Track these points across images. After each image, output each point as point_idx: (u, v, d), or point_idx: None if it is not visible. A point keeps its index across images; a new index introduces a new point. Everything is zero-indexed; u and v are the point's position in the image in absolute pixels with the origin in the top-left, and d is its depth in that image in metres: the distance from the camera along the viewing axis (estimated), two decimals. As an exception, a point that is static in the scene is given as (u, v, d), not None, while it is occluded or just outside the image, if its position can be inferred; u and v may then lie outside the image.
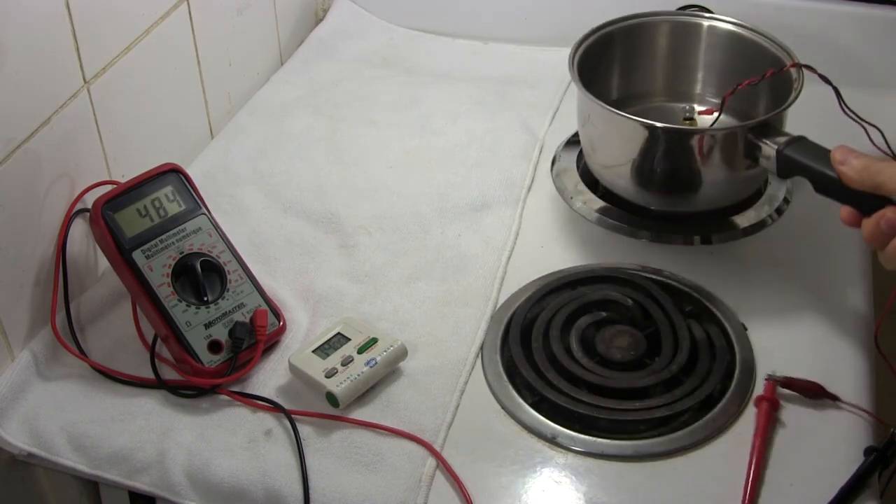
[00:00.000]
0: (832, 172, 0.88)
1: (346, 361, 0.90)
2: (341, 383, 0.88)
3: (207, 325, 0.93)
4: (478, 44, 1.43)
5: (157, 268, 0.93)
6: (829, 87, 1.00)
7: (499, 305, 0.99)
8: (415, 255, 1.06)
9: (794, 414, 0.88)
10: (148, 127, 1.11)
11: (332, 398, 0.88)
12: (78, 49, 0.97)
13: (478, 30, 1.44)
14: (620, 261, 1.04)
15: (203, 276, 0.94)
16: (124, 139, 1.06)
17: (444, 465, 0.84)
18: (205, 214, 0.97)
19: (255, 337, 0.94)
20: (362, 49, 1.43)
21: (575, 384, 0.90)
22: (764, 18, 1.12)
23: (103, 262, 1.01)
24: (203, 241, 0.96)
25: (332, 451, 0.85)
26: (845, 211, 0.86)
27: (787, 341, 0.94)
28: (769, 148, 0.96)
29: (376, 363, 0.90)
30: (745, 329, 0.95)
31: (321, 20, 1.49)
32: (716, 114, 1.05)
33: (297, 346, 0.95)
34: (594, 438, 0.86)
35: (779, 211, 1.09)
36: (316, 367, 0.90)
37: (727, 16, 1.13)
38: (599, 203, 1.10)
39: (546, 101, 1.30)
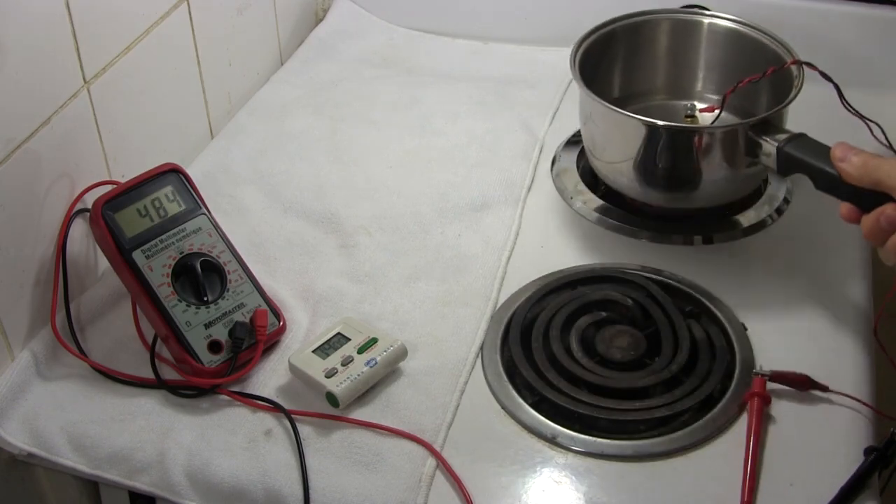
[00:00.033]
0: (832, 169, 0.88)
1: (346, 361, 0.90)
2: (341, 383, 0.88)
3: (207, 325, 0.93)
4: (478, 44, 1.43)
5: (157, 268, 0.93)
6: (830, 86, 1.00)
7: (499, 305, 0.99)
8: (415, 255, 1.06)
9: (790, 410, 0.88)
10: (148, 127, 1.11)
11: (332, 398, 0.88)
12: (78, 49, 0.97)
13: (478, 30, 1.43)
14: (620, 261, 1.04)
15: (203, 276, 0.94)
16: (124, 139, 1.06)
17: (444, 465, 0.84)
18: (205, 214, 0.97)
19: (255, 337, 0.94)
20: (362, 49, 1.43)
21: (575, 384, 0.90)
22: (763, 18, 1.12)
23: (103, 262, 1.01)
24: (203, 241, 0.96)
25: (332, 451, 0.85)
26: (845, 207, 0.87)
27: (787, 341, 0.94)
28: (769, 145, 0.96)
29: (376, 363, 0.90)
30: (745, 329, 0.95)
31: (321, 20, 1.49)
32: (717, 111, 1.05)
33: (297, 346, 0.95)
34: (594, 438, 0.86)
35: (779, 211, 1.09)
36: (316, 367, 0.90)
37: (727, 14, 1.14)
38: (599, 203, 1.11)
39: (546, 101, 1.30)
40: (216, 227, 0.98)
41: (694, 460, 0.84)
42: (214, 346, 0.92)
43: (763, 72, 1.01)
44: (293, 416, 0.88)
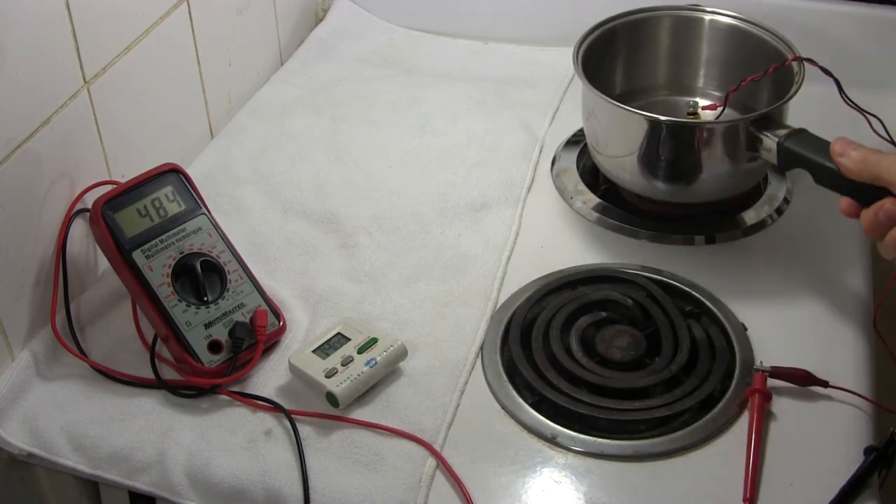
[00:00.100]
0: (832, 164, 0.88)
1: (346, 361, 0.90)
2: (341, 383, 0.88)
3: (207, 325, 0.93)
4: (478, 44, 1.43)
5: (157, 268, 0.93)
6: (830, 83, 1.01)
7: (499, 305, 0.99)
8: (415, 255, 1.06)
9: (791, 407, 0.88)
10: (148, 127, 1.11)
11: (332, 398, 0.88)
12: (78, 49, 0.97)
13: (478, 30, 1.43)
14: (620, 261, 1.04)
15: (203, 276, 0.94)
16: (124, 139, 1.06)
17: (444, 465, 0.84)
18: (205, 214, 0.97)
19: (255, 337, 0.94)
20: (362, 49, 1.43)
21: (575, 384, 0.90)
22: (763, 17, 1.12)
23: (103, 262, 1.01)
24: (203, 241, 0.96)
25: (332, 451, 0.85)
26: (845, 202, 0.87)
27: (788, 340, 0.94)
28: (770, 140, 0.97)
29: (376, 363, 0.90)
30: (745, 329, 0.95)
31: (321, 20, 1.49)
32: (719, 109, 1.06)
33: (297, 346, 0.95)
34: (594, 438, 0.86)
35: (779, 211, 1.09)
36: (316, 367, 0.90)
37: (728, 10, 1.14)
38: (599, 203, 1.11)
39: (546, 101, 1.30)
40: (216, 227, 0.98)
41: (694, 460, 0.84)
42: (214, 346, 0.92)
43: (765, 70, 1.02)
44: (293, 416, 0.88)
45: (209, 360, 0.92)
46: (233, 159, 1.20)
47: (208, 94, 1.23)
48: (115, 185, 0.98)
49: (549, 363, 0.92)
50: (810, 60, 1.02)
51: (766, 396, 0.87)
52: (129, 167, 1.04)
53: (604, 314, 0.97)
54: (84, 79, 0.99)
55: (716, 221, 1.08)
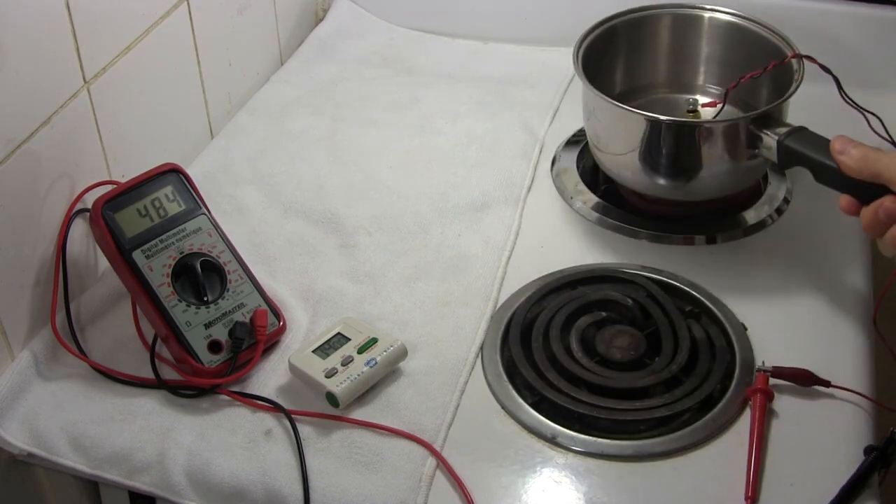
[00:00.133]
0: (832, 162, 0.89)
1: (346, 361, 0.90)
2: (341, 383, 0.88)
3: (207, 325, 0.93)
4: (478, 44, 1.43)
5: (157, 268, 0.93)
6: (829, 81, 1.01)
7: (499, 305, 0.99)
8: (415, 255, 1.06)
9: (792, 406, 0.88)
10: (148, 127, 1.11)
11: (332, 398, 0.88)
12: (78, 49, 0.97)
13: (478, 30, 1.43)
14: (620, 261, 1.04)
15: (203, 276, 0.94)
16: (124, 139, 1.06)
17: (444, 465, 0.84)
18: (205, 214, 0.97)
19: (255, 337, 0.94)
20: (362, 49, 1.43)
21: (575, 384, 0.90)
22: (763, 17, 1.13)
23: (103, 262, 1.01)
24: (203, 241, 0.96)
25: (332, 451, 0.85)
26: (844, 200, 0.88)
27: (788, 340, 0.94)
28: (770, 138, 0.97)
29: (376, 363, 0.90)
30: (745, 329, 0.95)
31: (321, 20, 1.49)
32: (719, 106, 1.06)
33: (297, 346, 0.95)
34: (594, 438, 0.86)
35: (779, 211, 1.09)
36: (316, 367, 0.90)
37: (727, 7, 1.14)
38: (599, 203, 1.11)
39: (546, 101, 1.30)
40: (216, 227, 0.98)
41: (694, 460, 0.84)
42: (214, 346, 0.92)
43: (764, 67, 1.02)
44: (293, 416, 0.88)
45: (209, 360, 0.92)
46: (233, 159, 1.20)
47: (208, 94, 1.23)
48: (115, 185, 0.98)
49: (549, 363, 0.92)
50: (809, 58, 1.02)
51: (769, 396, 0.87)
52: (129, 167, 1.04)
53: (604, 314, 0.97)
54: (84, 79, 0.99)
55: (716, 221, 1.08)
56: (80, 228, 0.99)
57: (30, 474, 0.91)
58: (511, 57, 1.40)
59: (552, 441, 0.86)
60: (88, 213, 0.96)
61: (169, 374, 0.93)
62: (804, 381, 0.88)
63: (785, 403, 0.88)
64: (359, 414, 0.88)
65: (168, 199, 0.96)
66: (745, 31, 1.13)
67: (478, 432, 0.87)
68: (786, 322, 0.96)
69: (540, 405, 0.89)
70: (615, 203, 1.11)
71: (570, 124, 1.23)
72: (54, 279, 0.96)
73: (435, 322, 0.97)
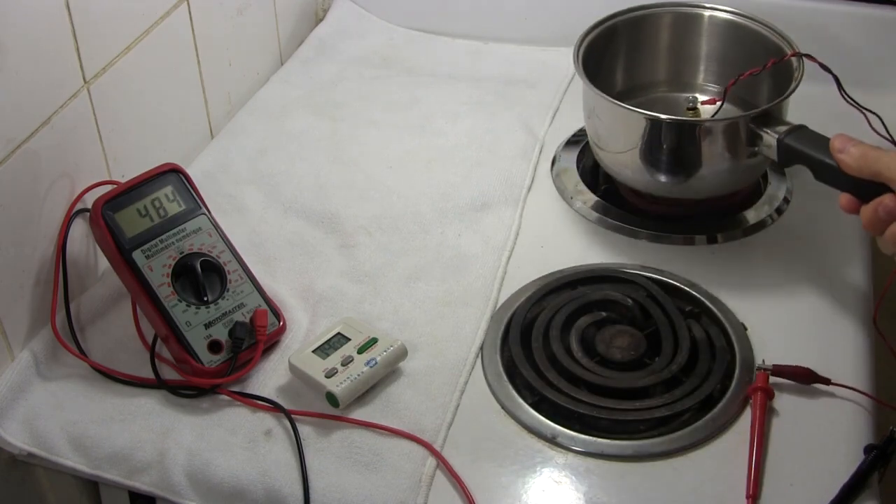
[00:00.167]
0: (831, 160, 0.89)
1: (346, 361, 0.90)
2: (341, 383, 0.88)
3: (207, 325, 0.93)
4: (478, 44, 1.43)
5: (157, 268, 0.93)
6: (829, 80, 1.01)
7: (499, 305, 0.99)
8: (415, 255, 1.06)
9: (792, 404, 0.88)
10: (148, 127, 1.11)
11: (332, 398, 0.88)
12: (78, 49, 0.97)
13: (478, 30, 1.43)
14: (620, 261, 1.04)
15: (203, 276, 0.94)
16: (124, 139, 1.06)
17: (444, 464, 0.84)
18: (205, 214, 0.97)
19: (255, 337, 0.94)
20: (362, 49, 1.43)
21: (575, 384, 0.90)
22: (763, 16, 1.13)
23: (103, 262, 1.01)
24: (203, 241, 0.96)
25: (332, 451, 0.85)
26: (844, 198, 0.88)
27: (788, 339, 0.94)
28: (770, 137, 0.97)
29: (376, 363, 0.90)
30: (745, 329, 0.95)
31: (321, 20, 1.49)
32: (718, 103, 1.06)
33: (297, 346, 0.95)
34: (594, 438, 0.86)
35: (779, 210, 1.09)
36: (316, 367, 0.90)
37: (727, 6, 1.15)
38: (599, 203, 1.11)
39: (546, 101, 1.30)
40: (216, 227, 0.98)
41: (694, 460, 0.84)
42: (214, 346, 0.92)
43: (763, 64, 1.02)
44: (293, 416, 0.88)
45: (209, 360, 0.92)
46: (233, 159, 1.20)
47: (208, 94, 1.23)
48: (115, 185, 0.98)
49: (549, 363, 0.92)
50: (809, 56, 1.02)
51: (769, 394, 0.87)
52: (129, 167, 1.04)
53: (604, 314, 0.97)
54: (84, 79, 0.99)
55: (716, 221, 1.08)
56: (80, 228, 0.99)
57: (30, 474, 0.91)
58: (511, 57, 1.40)
59: (552, 441, 0.86)
60: (88, 213, 0.96)
61: (169, 374, 0.93)
62: (804, 379, 0.88)
63: (785, 402, 0.88)
64: (359, 414, 0.88)
65: (168, 199, 0.96)
66: (746, 29, 1.13)
67: (478, 432, 0.87)
68: (786, 322, 0.96)
69: (540, 405, 0.89)
70: (615, 203, 1.11)
71: (570, 124, 1.24)
72: (54, 279, 0.96)
73: (435, 322, 0.97)
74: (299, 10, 1.46)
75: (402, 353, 0.92)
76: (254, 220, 1.11)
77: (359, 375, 0.89)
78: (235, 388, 0.91)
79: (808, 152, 0.94)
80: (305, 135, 1.25)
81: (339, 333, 0.93)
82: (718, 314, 0.96)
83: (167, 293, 0.92)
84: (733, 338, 0.94)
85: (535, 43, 1.41)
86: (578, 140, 1.20)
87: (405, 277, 1.03)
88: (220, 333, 0.93)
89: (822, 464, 0.83)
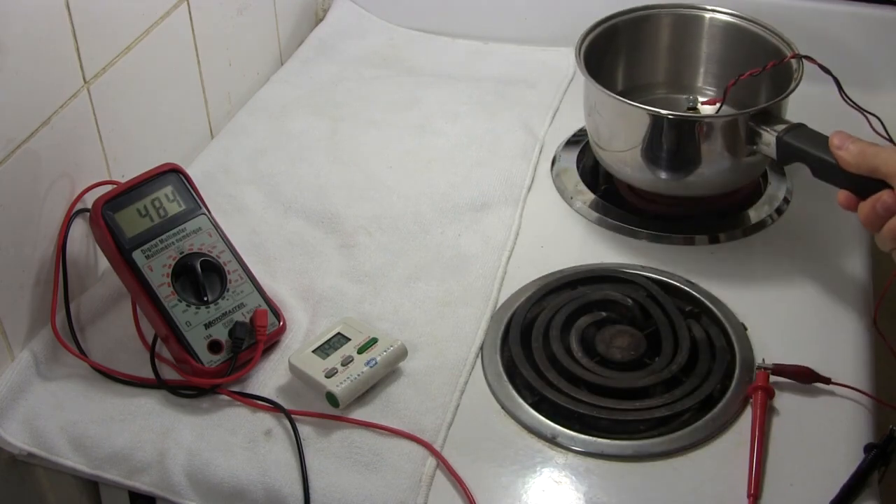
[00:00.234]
0: (830, 157, 0.90)
1: (346, 361, 0.90)
2: (341, 383, 0.88)
3: (207, 325, 0.93)
4: (478, 44, 1.43)
5: (157, 268, 0.93)
6: (829, 82, 1.02)
7: (499, 305, 0.99)
8: (415, 255, 1.06)
9: (793, 403, 0.88)
10: (148, 127, 1.11)
11: (332, 398, 0.88)
12: (78, 49, 0.97)
13: (478, 30, 1.44)
14: (620, 261, 1.04)
15: (203, 276, 0.94)
16: (124, 139, 1.06)
17: (444, 464, 0.84)
18: (205, 214, 0.97)
19: (255, 337, 0.94)
20: (362, 49, 1.43)
21: (575, 384, 0.90)
22: (763, 17, 1.13)
23: (103, 262, 1.01)
24: (203, 241, 0.96)
25: (332, 451, 0.85)
26: (843, 195, 0.89)
27: (789, 339, 0.94)
28: (769, 135, 0.98)
29: (376, 363, 0.90)
30: (745, 329, 0.95)
31: (321, 20, 1.49)
32: (718, 104, 1.06)
33: (297, 346, 0.95)
34: (594, 438, 0.86)
35: (779, 211, 1.09)
36: (316, 367, 0.90)
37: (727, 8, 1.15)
38: (599, 203, 1.11)
39: (546, 101, 1.30)
40: (216, 227, 0.98)
41: (694, 460, 0.84)
42: (214, 346, 0.92)
43: (763, 65, 1.02)
44: (293, 416, 0.88)
45: (209, 360, 0.92)
46: (233, 159, 1.20)
47: (208, 94, 1.23)
48: (115, 185, 0.98)
49: (549, 363, 0.92)
50: (808, 58, 1.03)
51: (769, 393, 0.87)
52: (129, 167, 1.04)
53: (604, 314, 0.97)
54: (84, 79, 0.99)
55: (716, 221, 1.08)
56: (80, 228, 0.99)
57: (30, 474, 0.91)
58: (511, 57, 1.40)
59: (552, 441, 0.86)
60: (88, 213, 0.96)
61: (169, 374, 0.93)
62: (804, 378, 0.88)
63: (785, 401, 0.88)
64: (359, 414, 0.88)
65: (168, 199, 0.96)
66: (746, 31, 1.13)
67: (478, 432, 0.87)
68: (786, 322, 0.96)
69: (540, 405, 0.89)
70: (615, 203, 1.11)
71: (570, 124, 1.24)
72: (54, 279, 0.96)
73: (435, 322, 0.97)
74: (299, 10, 1.46)
75: (402, 353, 0.92)
76: (254, 220, 1.11)
77: (359, 375, 0.89)
78: (235, 388, 0.91)
79: (807, 149, 0.94)
80: (305, 135, 1.25)
81: (339, 333, 0.93)
82: (718, 314, 0.96)
83: (167, 293, 0.92)
84: (733, 338, 0.94)
85: (535, 43, 1.41)
86: (578, 140, 1.20)
87: (405, 277, 1.03)
88: (220, 333, 0.93)
89: (822, 463, 0.83)
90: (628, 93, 1.18)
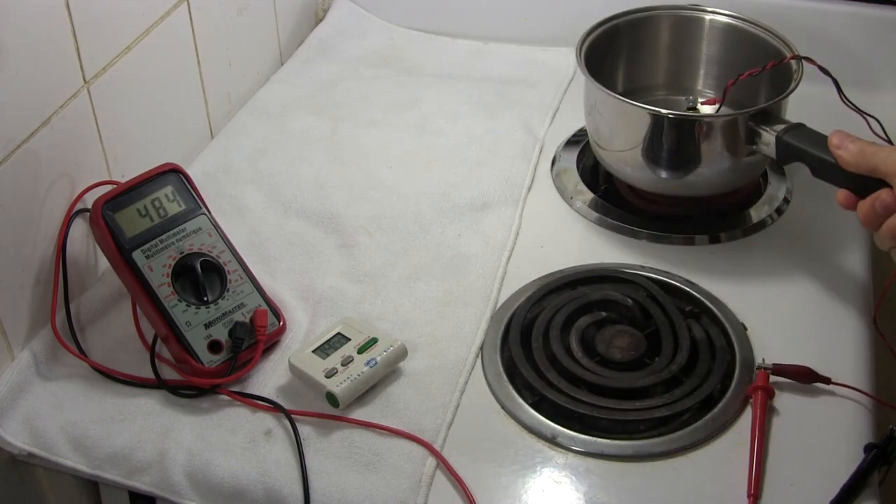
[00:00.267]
0: (829, 157, 0.90)
1: (346, 361, 0.90)
2: (341, 383, 0.88)
3: (207, 325, 0.93)
4: (478, 44, 1.43)
5: (157, 268, 0.93)
6: (828, 83, 1.02)
7: (499, 305, 0.99)
8: (415, 255, 1.06)
9: (793, 403, 0.88)
10: (148, 127, 1.11)
11: (332, 398, 0.88)
12: (78, 49, 0.97)
13: (478, 30, 1.44)
14: (620, 261, 1.04)
15: (203, 276, 0.94)
16: (124, 139, 1.06)
17: (444, 464, 0.84)
18: (205, 214, 0.97)
19: (255, 337, 0.94)
20: (362, 49, 1.43)
21: (575, 384, 0.90)
22: (763, 17, 1.13)
23: (103, 262, 1.01)
24: (203, 241, 0.96)
25: (332, 451, 0.85)
26: (842, 194, 0.89)
27: (789, 339, 0.94)
28: (769, 134, 0.98)
29: (376, 363, 0.90)
30: (745, 329, 0.95)
31: (321, 20, 1.49)
32: (718, 104, 1.06)
33: (297, 346, 0.95)
34: (594, 438, 0.86)
35: (779, 211, 1.09)
36: (316, 367, 0.90)
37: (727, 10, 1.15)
38: (599, 203, 1.11)
39: (546, 101, 1.30)
40: (216, 227, 0.98)
41: (694, 460, 0.84)
42: (214, 346, 0.92)
43: (763, 66, 1.02)
44: (293, 416, 0.88)
45: (209, 360, 0.92)
46: (233, 159, 1.20)
47: (208, 94, 1.23)
48: (115, 185, 0.98)
49: (549, 363, 0.92)
50: (808, 59, 1.03)
51: (769, 393, 0.87)
52: (129, 167, 1.04)
53: (604, 314, 0.97)
54: (84, 79, 0.99)
55: (716, 221, 1.08)
56: (80, 228, 0.99)
57: (30, 474, 0.91)
58: (511, 57, 1.40)
59: (552, 441, 0.86)
60: (88, 213, 0.96)
61: (169, 374, 0.93)
62: (804, 378, 0.89)
63: (785, 401, 0.88)
64: (359, 414, 0.88)
65: (168, 199, 0.96)
66: (746, 33, 1.13)
67: (478, 432, 0.87)
68: (786, 322, 0.96)
69: (540, 405, 0.89)
70: (615, 203, 1.11)
71: (570, 124, 1.24)
72: (54, 279, 0.96)
73: (435, 322, 0.97)
74: (299, 10, 1.46)
75: (402, 353, 0.92)
76: (254, 220, 1.11)
77: (359, 375, 0.89)
78: (235, 388, 0.91)
79: (807, 149, 0.94)
80: (305, 135, 1.25)
81: (339, 333, 0.93)
82: (718, 314, 0.96)
83: (167, 293, 0.92)
84: (733, 338, 0.94)
85: (535, 43, 1.41)
86: (578, 140, 1.20)
87: (405, 277, 1.03)
88: (220, 333, 0.93)
89: (822, 463, 0.83)
90: (628, 94, 1.17)
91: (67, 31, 0.95)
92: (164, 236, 0.94)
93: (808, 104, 1.03)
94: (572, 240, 1.08)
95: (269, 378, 0.93)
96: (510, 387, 0.91)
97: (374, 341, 0.92)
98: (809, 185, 0.98)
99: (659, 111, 1.02)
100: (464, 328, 0.97)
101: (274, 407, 0.89)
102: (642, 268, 1.02)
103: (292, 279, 1.03)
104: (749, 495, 0.80)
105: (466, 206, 1.12)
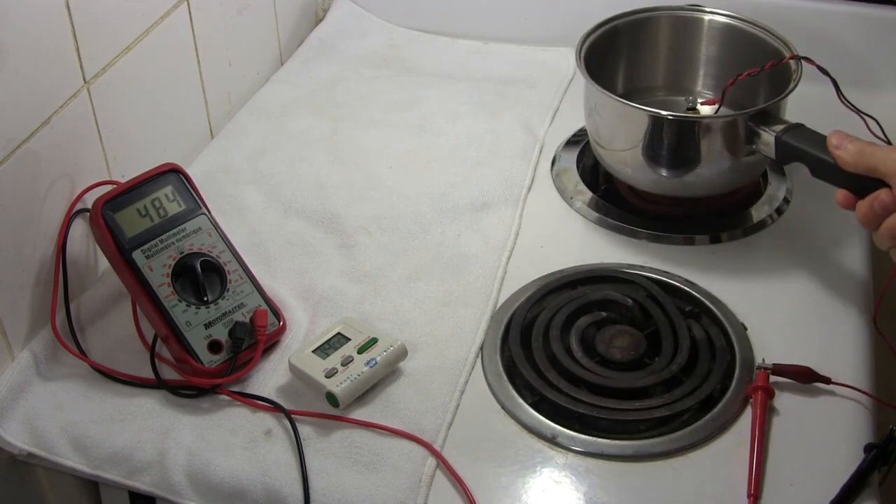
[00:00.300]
0: (828, 157, 0.90)
1: (346, 361, 0.90)
2: (341, 383, 0.88)
3: (207, 325, 0.93)
4: (478, 44, 1.43)
5: (157, 268, 0.93)
6: (827, 84, 1.02)
7: (499, 305, 0.99)
8: (415, 255, 1.06)
9: (793, 403, 0.88)
10: (148, 127, 1.11)
11: (332, 398, 0.88)
12: (78, 49, 0.97)
13: (478, 30, 1.44)
14: (620, 261, 1.04)
15: (203, 276, 0.94)
16: (124, 139, 1.06)
17: (444, 464, 0.84)
18: (205, 214, 0.97)
19: (255, 337, 0.94)
20: (362, 49, 1.43)
21: (575, 384, 0.90)
22: (762, 17, 1.13)
23: (103, 262, 1.01)
24: (203, 241, 0.96)
25: (332, 451, 0.85)
26: (841, 194, 0.89)
27: (789, 339, 0.94)
28: (768, 135, 0.98)
29: (376, 363, 0.90)
30: (745, 329, 0.95)
31: (321, 20, 1.49)
32: (717, 104, 1.07)
33: (297, 346, 0.95)
34: (594, 438, 0.86)
35: (779, 211, 1.09)
36: (316, 367, 0.90)
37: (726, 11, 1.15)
38: (599, 203, 1.11)
39: (546, 101, 1.30)
40: (216, 227, 0.98)
41: (694, 460, 0.84)
42: (214, 346, 0.92)
43: (762, 66, 1.03)
44: (293, 416, 0.88)
45: (209, 360, 0.92)
46: (233, 159, 1.20)
47: (208, 94, 1.23)
48: (115, 185, 0.98)
49: (549, 363, 0.92)
50: (807, 59, 1.03)
51: (769, 393, 0.87)
52: (129, 167, 1.04)
53: (604, 314, 0.97)
54: (84, 79, 0.99)
55: (716, 221, 1.08)
56: (80, 228, 0.99)
57: (30, 474, 0.91)
58: (511, 57, 1.40)
59: (552, 441, 0.86)
60: (88, 213, 0.96)
61: (169, 374, 0.93)
62: (804, 378, 0.89)
63: (785, 401, 0.88)
64: (359, 414, 0.88)
65: (168, 199, 0.96)
66: (745, 33, 1.13)
67: (478, 432, 0.87)
68: (786, 322, 0.96)
69: (540, 405, 0.89)
70: (615, 203, 1.11)
71: (570, 124, 1.24)
72: (54, 279, 0.96)
73: (435, 322, 0.97)
74: (299, 10, 1.46)
75: (402, 353, 0.92)
76: (254, 220, 1.11)
77: (359, 375, 0.89)
78: (235, 388, 0.91)
79: (806, 149, 0.94)
80: (305, 135, 1.25)
81: (339, 333, 0.93)
82: (718, 314, 0.96)
83: (167, 293, 0.92)
84: (733, 338, 0.94)
85: (535, 43, 1.41)
86: (578, 140, 1.20)
87: (405, 277, 1.03)
88: (220, 333, 0.93)
89: (822, 463, 0.83)
90: (628, 95, 1.18)
91: (67, 31, 0.95)
92: (164, 236, 0.94)
93: (807, 104, 1.03)
94: (572, 240, 1.08)
95: (269, 378, 0.93)
96: (510, 387, 0.91)
97: (374, 341, 0.92)
98: (809, 185, 0.98)
99: (659, 113, 1.02)
100: (464, 328, 0.97)
101: (274, 407, 0.89)
102: (642, 268, 1.02)
103: (292, 279, 1.03)
104: (749, 495, 0.80)
105: (466, 206, 1.12)
